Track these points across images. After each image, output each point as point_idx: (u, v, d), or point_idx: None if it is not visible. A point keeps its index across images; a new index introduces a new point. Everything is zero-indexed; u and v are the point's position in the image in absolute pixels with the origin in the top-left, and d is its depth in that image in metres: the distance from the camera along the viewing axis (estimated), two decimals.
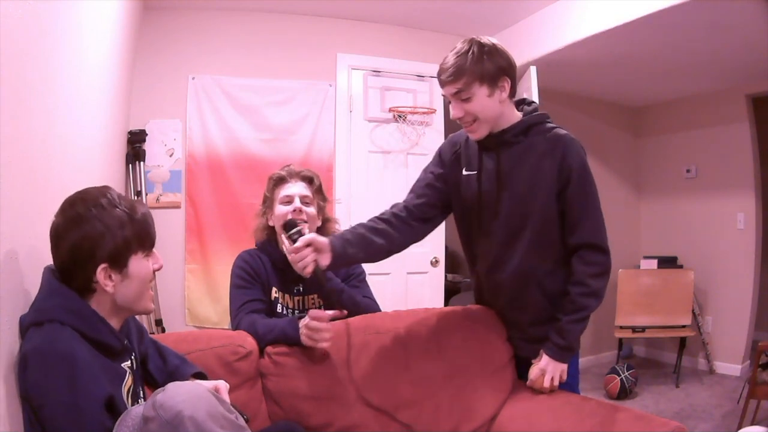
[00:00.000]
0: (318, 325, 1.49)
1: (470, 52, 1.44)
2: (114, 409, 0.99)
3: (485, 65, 1.43)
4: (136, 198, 2.94)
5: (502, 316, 1.73)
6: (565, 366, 1.56)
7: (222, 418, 0.90)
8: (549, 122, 1.56)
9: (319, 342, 1.50)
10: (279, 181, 1.76)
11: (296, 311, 1.75)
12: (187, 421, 0.85)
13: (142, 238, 1.09)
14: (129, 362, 1.13)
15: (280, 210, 1.71)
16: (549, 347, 1.55)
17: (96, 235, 1.02)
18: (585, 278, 1.50)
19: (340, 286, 1.72)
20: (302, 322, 1.52)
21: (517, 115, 1.56)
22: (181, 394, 0.89)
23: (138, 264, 1.08)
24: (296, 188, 1.74)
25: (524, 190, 1.50)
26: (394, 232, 1.61)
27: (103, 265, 1.03)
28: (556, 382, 1.56)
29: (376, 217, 1.63)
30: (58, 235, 1.04)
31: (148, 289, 1.12)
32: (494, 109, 1.48)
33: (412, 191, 1.68)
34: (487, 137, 1.53)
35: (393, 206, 1.66)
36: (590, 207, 1.50)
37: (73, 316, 1.01)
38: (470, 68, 1.43)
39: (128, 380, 1.10)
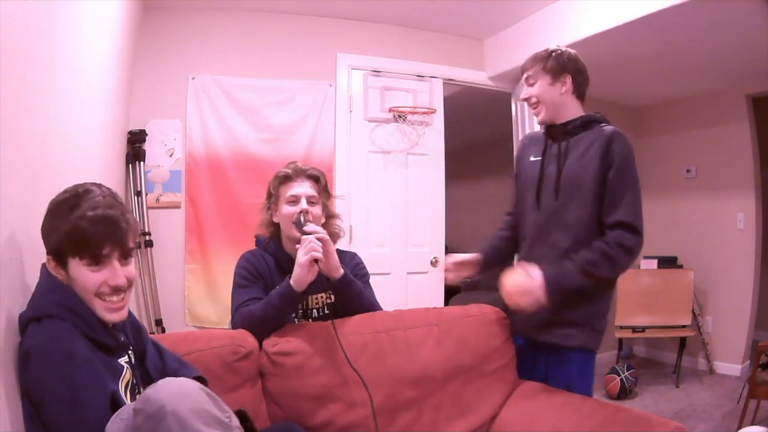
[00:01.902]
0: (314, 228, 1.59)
1: (544, 52, 1.77)
2: (116, 406, 1.00)
3: (550, 61, 1.74)
4: (136, 198, 2.95)
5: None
6: (538, 299, 1.54)
7: (207, 415, 0.90)
8: (606, 121, 1.73)
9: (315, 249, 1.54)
10: (285, 179, 1.74)
11: (299, 311, 1.74)
12: (168, 416, 0.86)
13: (78, 246, 1.02)
14: (126, 357, 1.14)
15: (287, 210, 1.71)
16: (545, 269, 1.57)
17: (47, 226, 1.05)
18: (612, 243, 1.56)
19: (359, 288, 1.72)
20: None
21: (581, 113, 1.76)
22: (167, 389, 0.90)
23: (77, 270, 1.03)
24: (302, 188, 1.73)
25: (575, 169, 1.67)
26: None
27: (48, 257, 1.06)
28: (523, 305, 1.57)
29: (509, 228, 1.91)
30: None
31: (94, 298, 1.04)
32: (554, 97, 1.73)
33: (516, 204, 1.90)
34: (554, 127, 1.75)
35: (508, 218, 1.95)
36: (629, 190, 1.60)
37: (70, 313, 1.02)
38: (538, 61, 1.75)
39: (126, 375, 1.11)
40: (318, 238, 1.57)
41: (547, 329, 1.68)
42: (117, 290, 1.06)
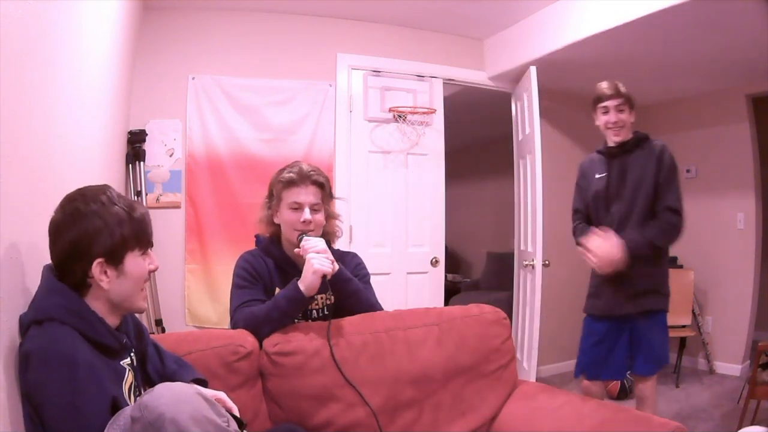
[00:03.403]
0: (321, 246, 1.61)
1: (622, 87, 2.28)
2: (117, 410, 0.99)
3: (631, 97, 2.28)
4: (136, 198, 2.95)
5: (616, 281, 2.19)
6: (615, 260, 2.11)
7: (206, 421, 0.90)
8: (651, 138, 2.28)
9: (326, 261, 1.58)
10: (289, 183, 1.71)
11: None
12: (168, 424, 0.85)
13: (139, 236, 1.10)
14: (128, 359, 1.14)
15: (289, 216, 1.70)
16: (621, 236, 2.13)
17: (94, 230, 1.03)
18: (665, 221, 2.16)
19: (357, 286, 1.72)
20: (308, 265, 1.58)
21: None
22: (166, 396, 0.89)
23: (133, 262, 1.09)
24: (307, 196, 1.69)
25: (642, 177, 2.19)
26: None
27: (99, 260, 1.04)
28: (596, 258, 2.15)
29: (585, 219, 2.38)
30: (57, 230, 1.05)
31: (142, 288, 1.14)
32: (630, 123, 2.27)
33: (579, 207, 2.39)
34: (616, 149, 2.28)
35: (579, 221, 2.37)
36: (673, 184, 2.18)
37: (73, 316, 1.01)
38: (624, 94, 2.26)
39: (128, 377, 1.11)
40: (317, 251, 1.59)
41: (638, 300, 2.19)
42: (149, 276, 1.15)
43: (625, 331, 2.26)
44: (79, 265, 1.04)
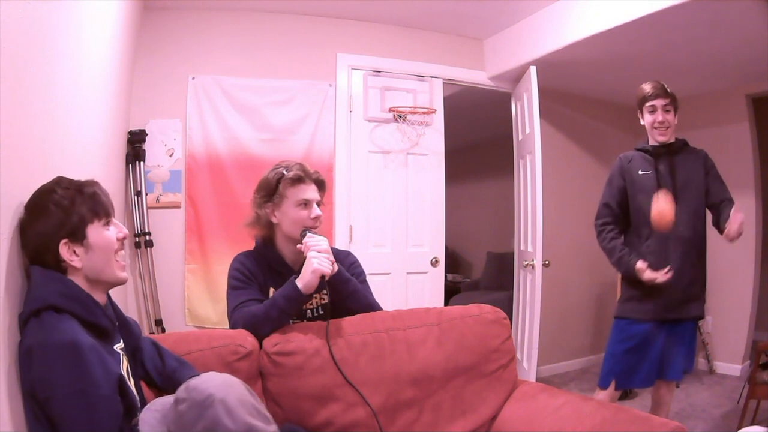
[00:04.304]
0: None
1: (667, 87, 2.30)
2: (122, 390, 1.01)
3: (676, 98, 2.31)
4: (136, 198, 2.95)
5: (670, 285, 2.17)
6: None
7: (252, 407, 0.95)
8: (687, 142, 2.37)
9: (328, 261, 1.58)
10: (297, 181, 1.71)
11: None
12: (217, 404, 0.90)
13: (95, 208, 1.13)
14: (120, 344, 1.17)
15: (296, 213, 1.70)
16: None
17: (52, 216, 1.07)
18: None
19: (356, 286, 1.72)
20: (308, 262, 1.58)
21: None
22: (214, 380, 0.94)
23: (96, 233, 1.12)
24: (312, 192, 1.72)
25: (690, 178, 2.26)
26: None
27: (63, 241, 1.07)
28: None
29: (617, 233, 2.34)
30: (23, 229, 1.08)
31: (114, 257, 1.15)
32: (674, 124, 2.30)
33: (609, 201, 2.34)
34: (661, 148, 2.29)
35: (607, 223, 2.34)
36: (724, 181, 2.30)
37: (69, 301, 1.03)
38: (671, 95, 2.28)
39: (124, 361, 1.13)
40: (319, 250, 1.59)
41: (686, 306, 2.23)
42: (121, 245, 1.18)
43: (662, 335, 2.21)
44: (50, 253, 1.07)
